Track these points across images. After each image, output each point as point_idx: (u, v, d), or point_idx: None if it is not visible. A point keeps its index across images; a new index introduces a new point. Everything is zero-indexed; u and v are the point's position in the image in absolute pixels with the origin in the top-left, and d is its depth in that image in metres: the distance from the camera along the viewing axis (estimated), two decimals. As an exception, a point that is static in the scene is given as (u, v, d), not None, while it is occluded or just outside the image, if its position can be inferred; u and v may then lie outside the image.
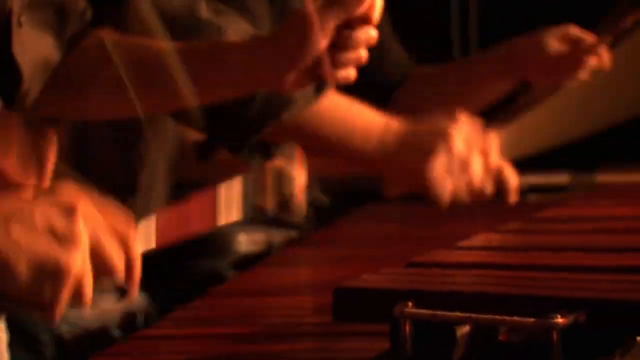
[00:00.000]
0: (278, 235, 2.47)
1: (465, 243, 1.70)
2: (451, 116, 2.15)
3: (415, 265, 1.50)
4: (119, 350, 1.57)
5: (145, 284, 2.11)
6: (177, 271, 2.30)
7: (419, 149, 2.02)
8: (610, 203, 2.25)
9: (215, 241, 2.36)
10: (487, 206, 2.21)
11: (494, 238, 1.78)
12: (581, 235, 1.83)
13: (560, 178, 2.65)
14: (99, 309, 1.99)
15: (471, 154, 2.05)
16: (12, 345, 1.67)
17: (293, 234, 2.51)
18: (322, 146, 2.03)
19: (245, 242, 2.43)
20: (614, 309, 1.21)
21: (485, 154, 2.08)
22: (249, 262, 2.32)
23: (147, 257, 2.14)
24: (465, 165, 2.03)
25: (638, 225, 1.73)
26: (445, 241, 1.73)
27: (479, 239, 1.75)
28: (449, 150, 2.02)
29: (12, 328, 1.67)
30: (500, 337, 1.22)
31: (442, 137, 2.04)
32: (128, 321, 2.06)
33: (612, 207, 2.14)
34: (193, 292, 1.85)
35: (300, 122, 1.96)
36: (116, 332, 2.02)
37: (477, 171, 2.04)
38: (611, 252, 1.60)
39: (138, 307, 2.10)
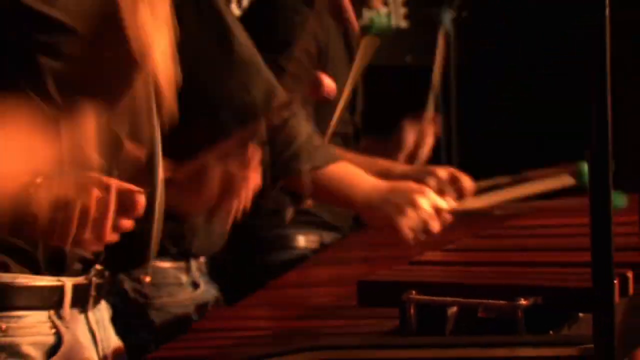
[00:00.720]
0: (327, 237, 2.47)
1: (452, 246, 1.72)
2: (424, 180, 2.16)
3: (416, 264, 1.53)
4: (197, 328, 1.59)
5: (215, 278, 2.12)
6: (242, 267, 2.31)
7: (394, 207, 1.96)
8: (556, 214, 2.22)
9: (276, 240, 2.39)
10: (466, 219, 2.19)
11: (472, 242, 1.80)
12: (536, 239, 1.84)
13: (504, 180, 2.59)
14: (179, 299, 1.99)
15: (432, 215, 1.98)
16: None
17: (338, 236, 2.49)
18: (326, 196, 2.04)
19: (303, 241, 2.43)
20: (562, 294, 1.23)
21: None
22: (301, 259, 2.33)
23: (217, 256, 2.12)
24: (425, 223, 1.96)
25: (577, 230, 1.70)
26: (437, 245, 1.75)
27: (462, 243, 1.77)
28: (416, 210, 1.96)
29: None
30: (479, 315, 1.23)
31: (411, 201, 1.97)
32: (202, 308, 2.03)
33: (558, 217, 2.10)
34: (257, 284, 1.84)
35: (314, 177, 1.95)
36: (195, 317, 1.99)
37: (435, 227, 1.99)
38: (559, 251, 1.63)
39: (210, 298, 2.08)
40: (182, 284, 2.01)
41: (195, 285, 2.03)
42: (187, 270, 2.02)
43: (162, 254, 1.94)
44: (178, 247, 1.98)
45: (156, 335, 1.90)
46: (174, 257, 1.99)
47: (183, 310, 1.99)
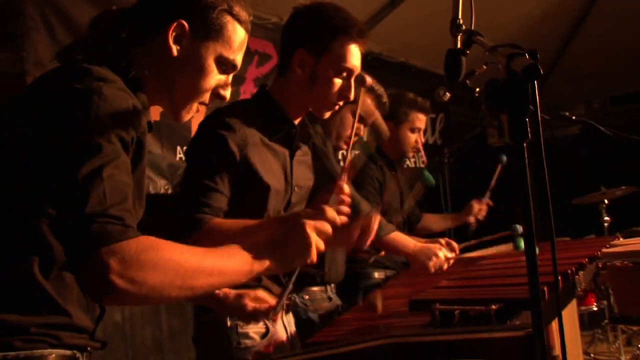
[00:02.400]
0: (389, 273, 2.27)
1: (454, 276, 1.59)
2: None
3: (438, 288, 1.43)
4: (334, 324, 1.49)
5: (340, 296, 2.03)
6: (348, 289, 2.18)
7: (426, 256, 1.84)
8: (504, 257, 2.04)
9: (363, 274, 2.23)
10: (459, 261, 2.03)
11: (463, 274, 1.64)
12: (497, 270, 1.67)
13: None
14: (322, 306, 1.87)
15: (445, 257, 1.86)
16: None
17: (394, 272, 2.29)
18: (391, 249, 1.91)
19: (377, 275, 2.25)
20: (514, 301, 1.13)
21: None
22: (376, 285, 2.17)
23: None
24: (441, 264, 1.83)
25: (517, 264, 1.59)
26: (446, 275, 1.62)
27: (459, 275, 1.62)
28: (437, 258, 1.84)
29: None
30: (471, 314, 1.14)
31: (434, 253, 1.84)
32: (337, 311, 1.91)
33: (505, 259, 1.92)
34: (357, 299, 1.76)
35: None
36: (335, 313, 1.89)
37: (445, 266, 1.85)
38: (509, 277, 1.48)
39: (338, 304, 1.95)
40: (324, 299, 1.91)
41: (330, 299, 1.92)
42: (325, 291, 1.92)
43: (314, 282, 1.89)
44: (321, 278, 1.89)
45: (314, 325, 1.79)
46: (318, 284, 1.90)
47: (328, 311, 1.87)
